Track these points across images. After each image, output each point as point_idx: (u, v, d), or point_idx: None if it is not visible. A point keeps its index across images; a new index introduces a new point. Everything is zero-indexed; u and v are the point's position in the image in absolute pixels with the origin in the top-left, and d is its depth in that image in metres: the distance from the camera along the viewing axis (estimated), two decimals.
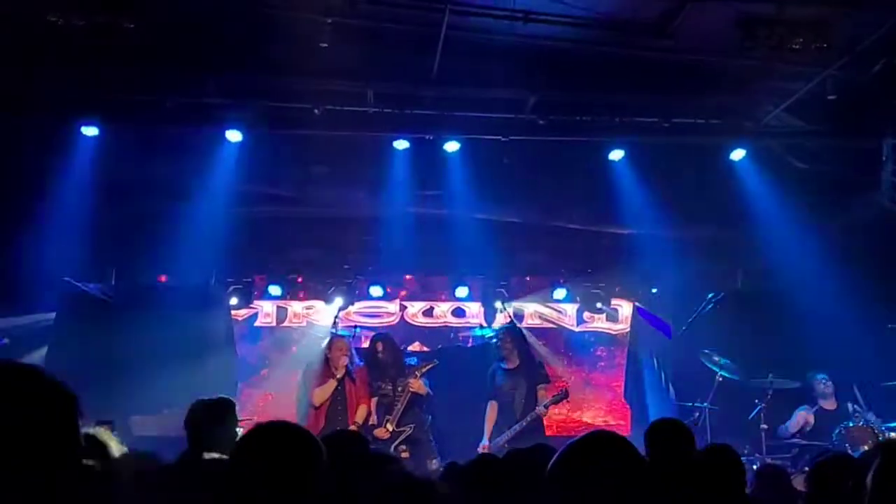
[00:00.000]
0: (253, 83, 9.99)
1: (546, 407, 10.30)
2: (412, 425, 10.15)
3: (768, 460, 9.47)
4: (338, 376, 10.27)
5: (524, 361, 10.82)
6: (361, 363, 10.65)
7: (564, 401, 10.75)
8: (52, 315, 11.37)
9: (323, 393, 10.26)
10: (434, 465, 9.77)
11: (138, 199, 10.80)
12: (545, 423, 10.56)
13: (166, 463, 5.00)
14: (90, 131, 10.18)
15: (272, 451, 2.88)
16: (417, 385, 10.23)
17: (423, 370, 10.35)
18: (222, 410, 5.49)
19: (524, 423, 10.22)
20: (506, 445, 9.66)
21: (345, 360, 10.38)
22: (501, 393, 10.64)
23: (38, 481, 1.92)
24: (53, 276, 11.09)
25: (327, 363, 10.48)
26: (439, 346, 12.83)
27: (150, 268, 11.89)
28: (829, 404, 10.52)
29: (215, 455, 4.99)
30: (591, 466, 2.71)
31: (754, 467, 9.04)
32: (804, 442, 10.04)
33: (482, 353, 12.30)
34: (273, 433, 3.00)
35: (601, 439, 2.86)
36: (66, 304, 11.44)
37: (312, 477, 2.85)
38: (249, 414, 10.86)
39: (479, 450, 9.96)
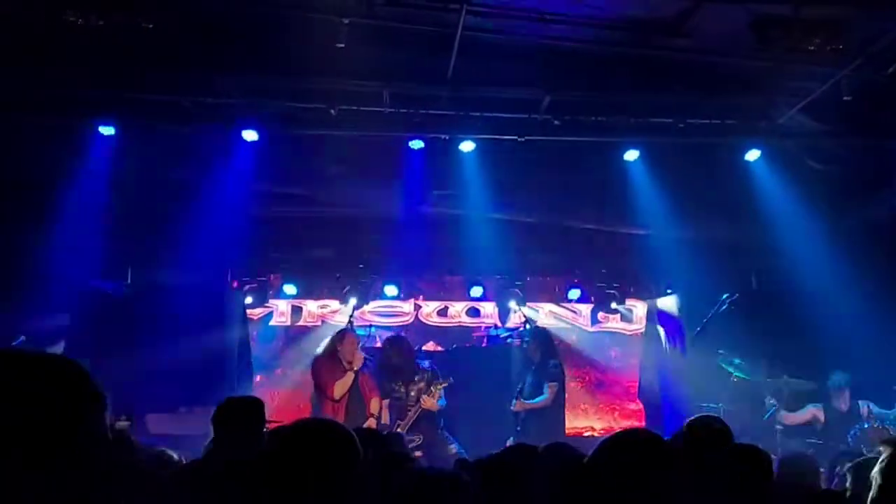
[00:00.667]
0: (269, 83, 10.01)
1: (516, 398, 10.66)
2: (421, 436, 10.14)
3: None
4: (355, 368, 10.22)
5: (543, 359, 10.89)
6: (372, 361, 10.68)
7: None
8: (68, 314, 11.42)
9: (343, 386, 10.17)
10: (453, 450, 9.90)
11: (154, 198, 10.85)
12: None
13: (193, 460, 5.01)
14: (107, 131, 10.24)
15: (314, 451, 2.83)
16: (430, 403, 10.22)
17: (439, 388, 10.31)
18: (253, 410, 5.49)
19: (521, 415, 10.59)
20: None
21: (360, 354, 10.37)
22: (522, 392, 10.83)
23: (63, 476, 1.93)
24: (70, 274, 11.15)
25: (337, 356, 10.38)
26: (454, 346, 12.87)
27: (166, 266, 11.95)
28: (842, 404, 10.46)
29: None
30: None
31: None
32: (819, 442, 10.00)
33: (496, 352, 12.33)
34: (314, 432, 2.96)
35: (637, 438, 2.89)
36: (82, 303, 11.50)
37: (352, 477, 2.81)
38: (266, 412, 10.88)
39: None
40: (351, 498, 2.77)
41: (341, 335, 10.64)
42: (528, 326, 11.97)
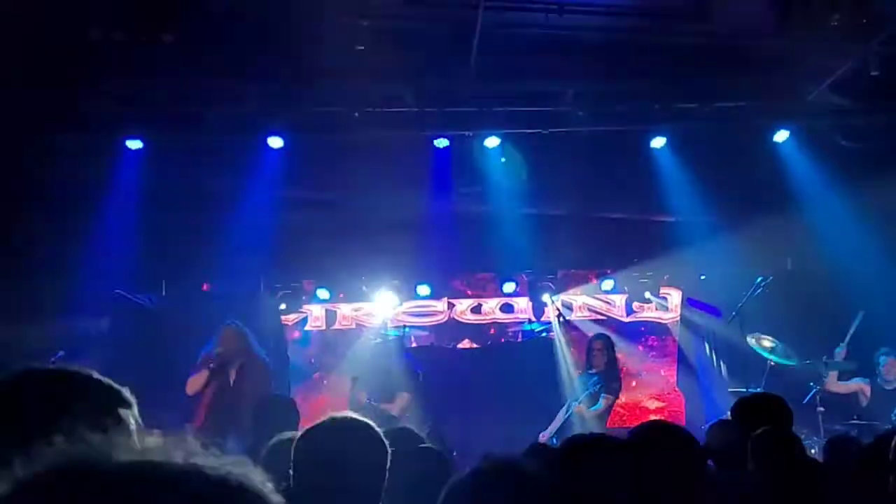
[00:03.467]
0: (291, 89, 10.06)
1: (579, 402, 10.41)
2: None
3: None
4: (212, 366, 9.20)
5: (607, 369, 10.70)
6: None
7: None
8: (105, 327, 11.51)
9: (193, 383, 9.19)
10: None
11: (184, 209, 10.92)
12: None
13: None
14: (135, 145, 10.33)
15: (341, 447, 2.84)
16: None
17: None
18: (284, 407, 5.52)
19: (562, 417, 10.37)
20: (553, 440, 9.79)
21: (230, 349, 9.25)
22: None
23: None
24: (105, 288, 11.26)
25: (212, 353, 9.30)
26: (489, 343, 12.85)
27: (199, 276, 12.04)
28: (891, 384, 10.28)
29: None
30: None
31: (813, 451, 8.96)
32: (862, 422, 9.86)
33: (532, 347, 12.29)
34: (341, 428, 2.95)
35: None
36: (118, 316, 11.60)
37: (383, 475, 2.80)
38: (304, 419, 10.91)
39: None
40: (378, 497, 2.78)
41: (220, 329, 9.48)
42: (562, 319, 11.90)
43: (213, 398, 9.10)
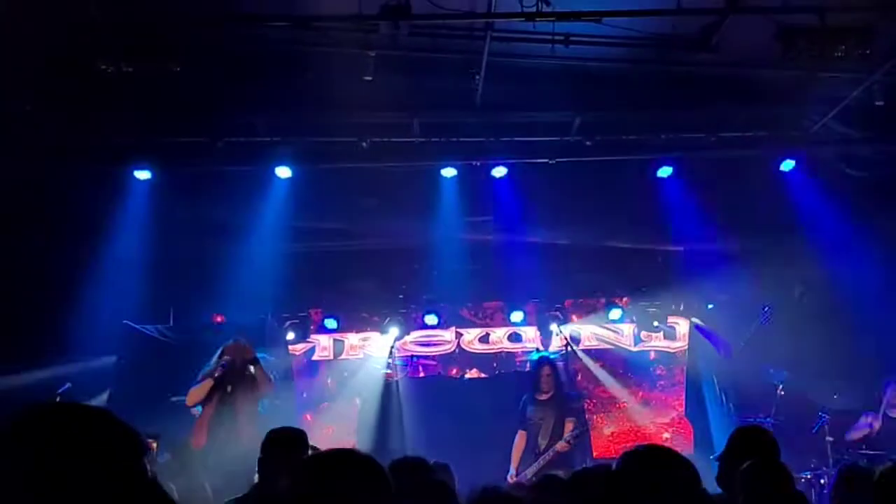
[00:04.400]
0: (300, 120, 10.12)
1: (568, 441, 10.14)
2: None
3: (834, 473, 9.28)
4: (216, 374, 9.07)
5: (557, 392, 10.61)
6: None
7: (585, 434, 10.70)
8: (113, 358, 11.52)
9: (194, 394, 9.09)
10: None
11: (192, 239, 10.95)
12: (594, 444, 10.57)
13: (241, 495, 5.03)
14: (143, 175, 10.38)
15: (343, 480, 2.80)
16: None
17: None
18: (293, 441, 5.50)
19: (548, 456, 10.11)
20: (532, 478, 9.59)
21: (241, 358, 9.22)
22: (531, 423, 10.50)
23: None
24: (113, 319, 11.28)
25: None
26: (497, 372, 12.82)
27: (207, 307, 12.04)
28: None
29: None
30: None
31: (822, 481, 8.90)
32: (871, 452, 9.80)
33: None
34: (339, 461, 2.92)
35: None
36: (126, 347, 11.60)
37: None
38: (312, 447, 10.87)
39: (508, 479, 9.94)
40: None
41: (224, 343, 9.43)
42: (570, 349, 11.87)
43: (214, 416, 8.93)
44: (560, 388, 10.70)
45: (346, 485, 2.71)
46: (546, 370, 10.66)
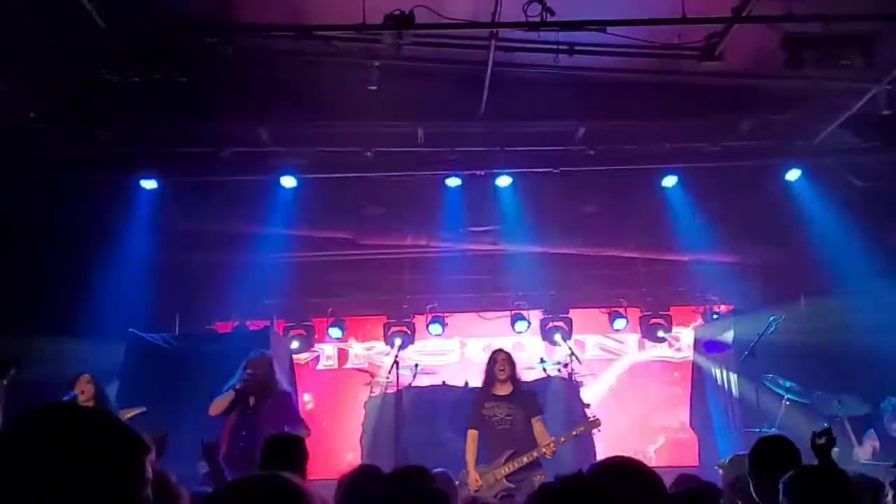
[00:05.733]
0: (305, 129, 10.12)
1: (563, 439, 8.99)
2: None
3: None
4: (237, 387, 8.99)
5: (518, 389, 9.32)
6: None
7: (596, 430, 9.60)
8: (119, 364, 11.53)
9: (217, 405, 8.99)
10: None
11: (198, 247, 10.99)
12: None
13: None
14: (149, 184, 10.40)
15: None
16: None
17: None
18: (293, 447, 5.51)
19: (532, 457, 8.79)
20: (504, 480, 8.73)
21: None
22: (491, 422, 9.07)
23: None
24: (119, 327, 11.29)
25: None
26: None
27: (212, 316, 12.06)
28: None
29: None
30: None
31: None
32: (874, 463, 9.73)
33: (543, 386, 12.22)
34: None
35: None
36: (130, 355, 11.61)
37: None
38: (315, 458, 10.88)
39: (470, 485, 8.77)
40: None
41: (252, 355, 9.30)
42: (573, 359, 11.83)
43: (235, 425, 8.89)
44: (519, 383, 9.46)
45: None
46: (501, 356, 9.39)
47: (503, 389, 9.24)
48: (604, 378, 12.96)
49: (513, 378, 9.31)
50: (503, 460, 8.86)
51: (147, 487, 2.05)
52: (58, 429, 1.99)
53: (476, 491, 8.66)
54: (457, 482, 8.25)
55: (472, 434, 9.15)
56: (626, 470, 3.14)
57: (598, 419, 9.43)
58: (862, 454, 10.10)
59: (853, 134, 10.23)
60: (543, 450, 8.77)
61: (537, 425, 9.10)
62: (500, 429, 9.06)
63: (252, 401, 8.95)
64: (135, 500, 2.01)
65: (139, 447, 2.06)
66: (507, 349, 12.39)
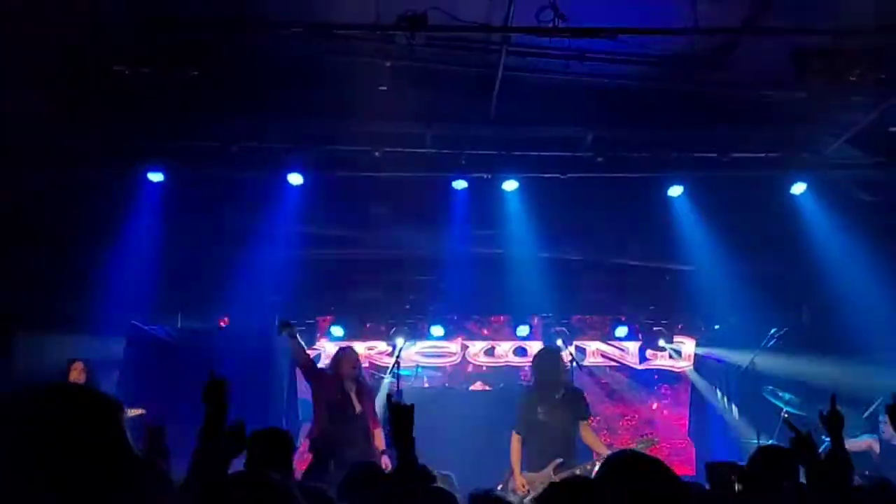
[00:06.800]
0: (313, 127, 10.12)
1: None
2: None
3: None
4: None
5: (567, 391, 9.40)
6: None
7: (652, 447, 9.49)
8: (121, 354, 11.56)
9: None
10: None
11: (202, 242, 11.00)
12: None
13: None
14: (156, 177, 10.42)
15: None
16: None
17: None
18: (277, 440, 5.54)
19: (585, 469, 8.64)
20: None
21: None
22: (537, 425, 9.08)
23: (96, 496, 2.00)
24: (122, 319, 11.32)
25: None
26: (501, 385, 12.82)
27: (215, 310, 12.08)
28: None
29: None
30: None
31: None
32: (875, 474, 9.74)
33: None
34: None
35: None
36: (132, 346, 11.64)
37: None
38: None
39: (518, 489, 8.78)
40: None
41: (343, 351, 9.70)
42: (575, 365, 11.84)
43: (333, 409, 9.17)
44: (571, 387, 9.55)
45: None
46: (557, 366, 9.40)
47: (554, 391, 9.27)
48: (602, 385, 12.95)
49: (562, 380, 9.36)
50: (552, 470, 8.81)
51: (128, 439, 2.12)
52: (36, 406, 2.08)
53: (523, 496, 8.59)
54: (499, 486, 8.59)
55: (517, 437, 9.19)
56: (638, 462, 3.16)
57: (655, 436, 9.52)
58: (854, 446, 10.04)
59: (859, 149, 10.25)
60: (596, 462, 8.61)
61: (585, 429, 9.21)
62: (548, 435, 9.06)
63: (353, 392, 9.28)
64: (120, 450, 2.09)
65: (112, 405, 2.16)
66: (509, 353, 12.48)
